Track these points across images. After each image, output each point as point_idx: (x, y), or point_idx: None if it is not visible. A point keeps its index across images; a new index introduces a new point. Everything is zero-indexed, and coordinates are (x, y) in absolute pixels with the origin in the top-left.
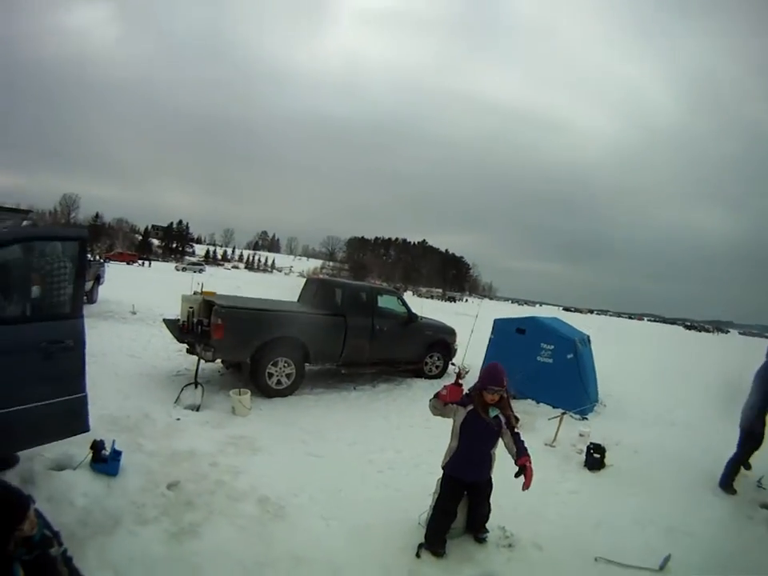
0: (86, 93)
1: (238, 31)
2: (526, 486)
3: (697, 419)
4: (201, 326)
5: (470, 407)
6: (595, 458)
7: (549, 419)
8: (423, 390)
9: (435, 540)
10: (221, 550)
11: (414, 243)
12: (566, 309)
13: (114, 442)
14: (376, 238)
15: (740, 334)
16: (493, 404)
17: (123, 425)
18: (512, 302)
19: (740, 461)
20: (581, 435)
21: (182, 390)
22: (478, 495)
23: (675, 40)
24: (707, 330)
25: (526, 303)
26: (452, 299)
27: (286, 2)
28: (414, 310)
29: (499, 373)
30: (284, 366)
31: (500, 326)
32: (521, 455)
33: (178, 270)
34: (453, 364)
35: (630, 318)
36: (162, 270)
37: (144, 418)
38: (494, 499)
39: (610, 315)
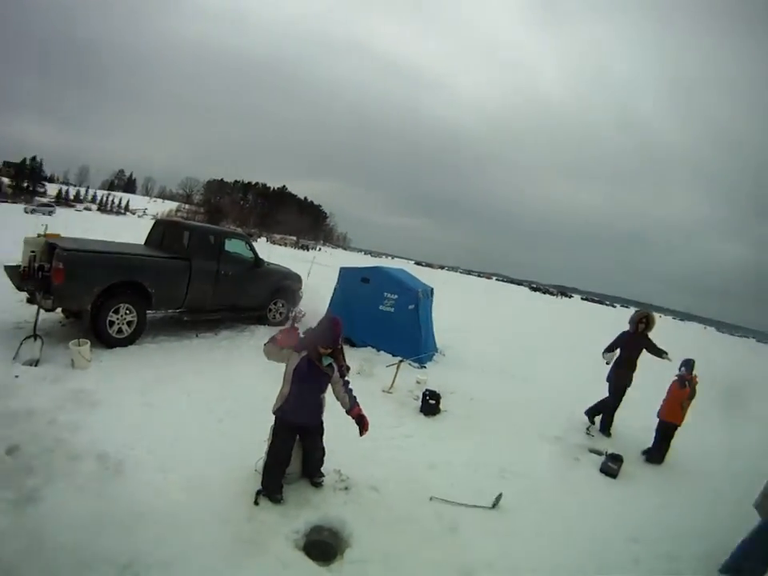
0: None
1: None
2: (363, 432)
3: (536, 373)
4: (42, 271)
5: (304, 353)
6: (430, 404)
7: (386, 366)
8: (266, 337)
9: (272, 486)
10: (62, 513)
11: (274, 189)
12: (418, 263)
13: None
14: (235, 182)
15: (582, 299)
16: (326, 353)
17: None
18: (365, 254)
19: (609, 408)
20: (418, 382)
21: (21, 344)
22: (310, 439)
23: (578, 26)
24: (551, 293)
25: (379, 255)
26: (305, 247)
27: None
28: (261, 256)
29: (334, 334)
30: (125, 314)
31: (345, 274)
32: (353, 406)
33: (26, 212)
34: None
35: (479, 275)
36: (10, 212)
37: None
38: (329, 444)
39: (460, 272)
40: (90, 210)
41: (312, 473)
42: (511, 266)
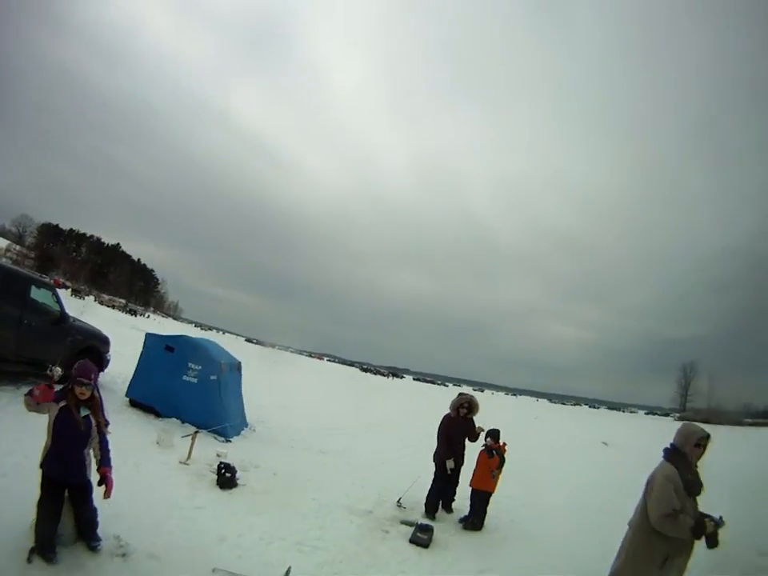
0: None
1: None
2: (106, 495)
3: (352, 448)
4: None
5: (63, 403)
6: (225, 477)
7: (182, 437)
8: None
9: (44, 544)
10: None
11: (108, 245)
12: (248, 340)
13: None
14: (71, 230)
15: (414, 379)
16: (84, 402)
17: None
18: (195, 325)
19: (437, 489)
20: (218, 455)
21: None
22: (77, 498)
23: (423, 118)
24: (382, 374)
25: (210, 329)
26: (133, 312)
27: None
28: (67, 310)
29: (89, 368)
30: None
31: (151, 341)
32: (104, 464)
33: None
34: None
35: (311, 355)
36: None
37: None
38: (116, 508)
39: (291, 351)
40: None
41: (87, 535)
42: (345, 348)
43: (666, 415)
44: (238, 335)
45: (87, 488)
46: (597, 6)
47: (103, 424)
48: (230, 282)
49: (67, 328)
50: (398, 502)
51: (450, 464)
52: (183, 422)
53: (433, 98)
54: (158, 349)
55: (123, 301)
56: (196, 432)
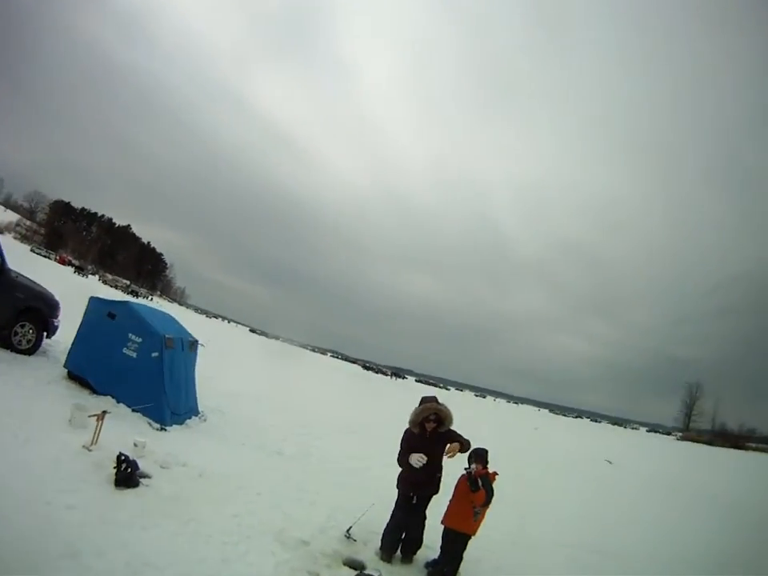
0: None
1: None
2: None
3: (313, 451)
4: None
5: None
6: (125, 473)
7: (89, 416)
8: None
9: None
10: None
11: (118, 225)
12: (252, 330)
13: None
14: (82, 209)
15: (416, 381)
16: None
17: None
18: (200, 312)
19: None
20: (135, 445)
21: None
22: None
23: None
24: (384, 373)
25: (216, 316)
26: (135, 293)
27: None
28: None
29: None
30: None
31: (94, 305)
32: None
33: None
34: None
35: (314, 350)
36: None
37: None
38: None
39: (295, 344)
40: None
41: None
42: (351, 345)
43: (668, 434)
44: (243, 325)
45: None
46: (621, 24)
47: None
48: (241, 272)
49: (7, 282)
50: (347, 531)
51: (415, 461)
52: (118, 402)
53: (459, 104)
54: (100, 314)
55: (127, 282)
56: (104, 412)
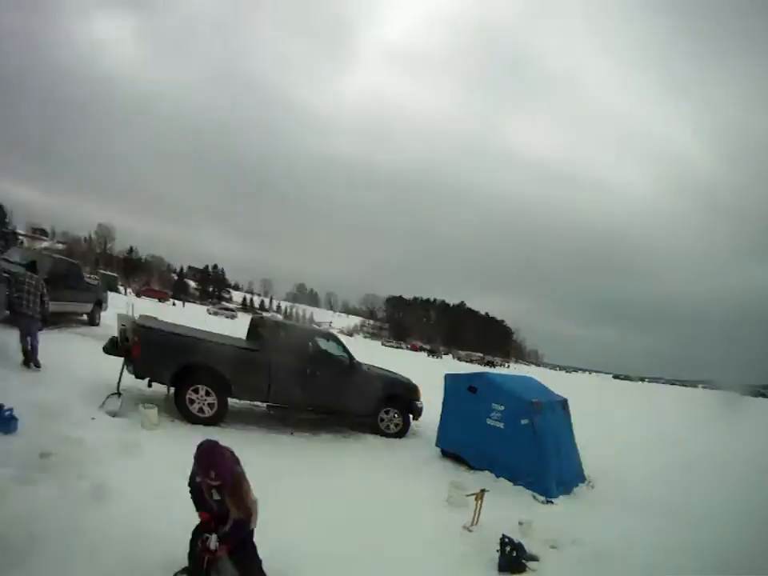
0: (110, 111)
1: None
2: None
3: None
4: (126, 342)
5: None
6: (510, 557)
7: (466, 495)
8: (370, 449)
9: None
10: None
11: (452, 305)
12: (616, 376)
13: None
14: (414, 298)
15: None
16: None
17: (45, 408)
18: (558, 369)
19: None
20: (520, 524)
21: (107, 397)
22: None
23: (707, 88)
24: None
25: (574, 370)
26: (491, 363)
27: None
28: (355, 357)
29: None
30: (205, 394)
31: (450, 382)
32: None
33: (209, 313)
34: None
35: (684, 385)
36: (195, 312)
37: (64, 409)
38: None
39: (662, 383)
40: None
41: None
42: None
43: None
44: (605, 373)
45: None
46: None
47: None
48: (585, 319)
49: (363, 376)
50: None
51: None
52: (498, 477)
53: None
54: (459, 390)
55: (480, 354)
56: (482, 491)
